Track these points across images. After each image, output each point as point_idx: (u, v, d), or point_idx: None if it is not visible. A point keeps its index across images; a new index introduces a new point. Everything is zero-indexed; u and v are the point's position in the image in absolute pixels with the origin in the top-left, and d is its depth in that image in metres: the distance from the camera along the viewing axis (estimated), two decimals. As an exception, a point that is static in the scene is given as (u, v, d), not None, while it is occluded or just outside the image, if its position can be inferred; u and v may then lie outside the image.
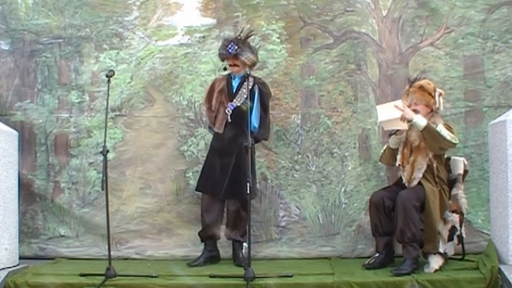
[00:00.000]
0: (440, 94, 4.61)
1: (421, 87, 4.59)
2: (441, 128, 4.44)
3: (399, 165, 4.67)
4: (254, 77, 4.96)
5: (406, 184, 4.59)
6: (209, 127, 5.04)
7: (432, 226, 4.39)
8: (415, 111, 4.51)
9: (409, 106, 4.54)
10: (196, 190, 5.00)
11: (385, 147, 4.83)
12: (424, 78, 4.73)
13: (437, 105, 4.58)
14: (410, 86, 4.65)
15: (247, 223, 4.71)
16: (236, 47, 4.80)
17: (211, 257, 4.95)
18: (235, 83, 4.95)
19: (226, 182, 4.81)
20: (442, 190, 4.52)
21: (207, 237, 4.95)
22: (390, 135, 4.69)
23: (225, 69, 4.95)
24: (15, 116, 5.37)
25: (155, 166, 5.31)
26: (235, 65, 4.87)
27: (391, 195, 4.57)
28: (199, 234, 4.97)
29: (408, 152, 4.62)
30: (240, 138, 4.67)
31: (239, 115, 4.81)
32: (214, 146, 4.96)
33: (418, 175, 4.52)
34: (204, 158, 5.06)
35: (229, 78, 4.99)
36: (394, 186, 4.75)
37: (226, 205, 4.95)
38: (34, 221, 5.34)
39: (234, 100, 4.89)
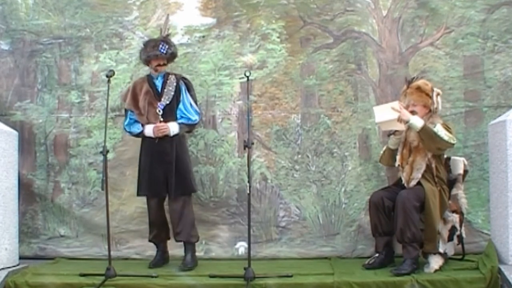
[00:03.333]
0: (438, 94, 4.61)
1: (419, 88, 4.59)
2: (439, 128, 4.45)
3: (399, 165, 4.67)
4: (175, 74, 4.99)
5: (405, 185, 4.59)
6: (130, 131, 4.91)
7: (432, 226, 4.39)
8: (413, 112, 4.52)
9: (407, 107, 4.55)
10: (138, 195, 4.89)
11: (384, 148, 4.83)
12: (422, 78, 4.74)
13: (435, 105, 4.58)
14: (408, 87, 4.66)
15: (193, 221, 4.86)
16: (167, 46, 4.84)
17: (166, 258, 4.97)
18: (158, 83, 4.92)
19: (172, 180, 4.76)
20: (442, 190, 4.52)
21: (161, 240, 4.96)
22: (389, 135, 4.69)
23: (156, 71, 4.87)
24: (15, 116, 5.38)
25: (155, 166, 5.31)
26: (164, 64, 4.88)
27: (390, 195, 4.57)
28: (152, 240, 4.94)
29: (407, 152, 4.62)
30: (175, 135, 4.81)
31: (169, 113, 4.84)
32: (149, 148, 4.84)
33: (417, 175, 4.52)
34: (144, 162, 4.91)
35: (149, 79, 4.94)
36: (393, 186, 4.76)
37: (170, 205, 4.86)
38: (34, 221, 5.35)
39: (162, 99, 4.86)
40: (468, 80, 5.19)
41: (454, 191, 4.64)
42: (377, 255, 4.69)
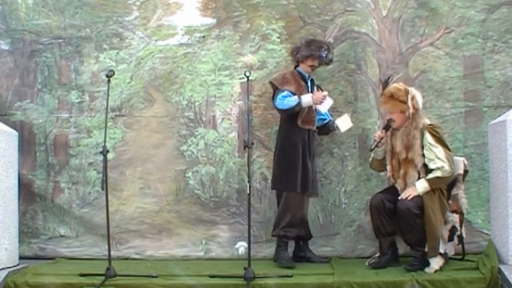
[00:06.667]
0: (413, 98, 4.49)
1: (391, 96, 4.53)
2: (428, 142, 4.40)
3: (391, 176, 4.65)
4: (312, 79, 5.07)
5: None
6: (284, 106, 4.79)
7: (433, 233, 4.37)
8: (391, 120, 4.52)
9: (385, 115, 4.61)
10: (302, 193, 4.85)
11: (371, 157, 4.81)
12: (394, 76, 4.76)
13: (410, 110, 4.47)
14: (382, 94, 4.63)
15: None
16: (327, 52, 4.89)
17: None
18: (309, 83, 4.98)
19: (316, 177, 4.97)
20: (440, 192, 4.48)
21: (302, 239, 5.02)
22: (371, 150, 4.65)
23: (312, 70, 4.95)
24: (15, 116, 5.37)
25: (155, 166, 5.31)
26: (316, 67, 4.94)
27: (390, 197, 4.55)
28: (292, 238, 4.92)
29: (397, 164, 4.60)
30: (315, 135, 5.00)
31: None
32: (300, 143, 4.86)
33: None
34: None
35: (302, 77, 4.95)
36: (392, 187, 4.71)
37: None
38: (34, 221, 5.34)
39: None
40: (468, 80, 5.19)
41: (454, 191, 4.64)
42: (377, 254, 4.70)
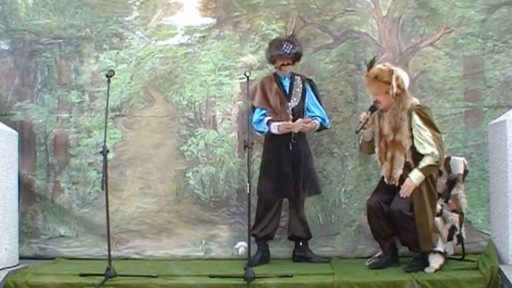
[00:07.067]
0: (397, 78, 4.42)
1: (375, 78, 4.46)
2: (417, 123, 4.35)
3: (379, 158, 4.61)
4: (299, 75, 5.04)
5: (386, 181, 4.53)
6: (257, 130, 4.95)
7: (423, 226, 4.35)
8: (377, 102, 4.47)
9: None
10: (263, 196, 4.93)
11: (361, 140, 4.79)
12: (378, 58, 4.72)
13: (394, 90, 4.40)
14: (366, 75, 4.57)
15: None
16: (291, 46, 4.87)
17: (268, 256, 5.02)
18: (286, 83, 4.99)
19: (301, 180, 4.88)
20: (428, 180, 4.42)
21: (270, 239, 5.02)
22: (357, 132, 4.58)
23: (281, 70, 4.94)
24: (15, 116, 5.38)
25: (155, 166, 5.31)
26: (288, 64, 4.91)
27: (387, 198, 4.52)
28: (263, 238, 4.95)
29: (384, 146, 4.54)
30: (302, 137, 4.90)
31: (297, 115, 4.89)
32: (277, 146, 4.88)
33: (398, 172, 4.46)
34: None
35: (277, 78, 4.99)
36: (383, 184, 4.63)
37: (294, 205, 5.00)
38: (34, 221, 5.34)
39: (291, 101, 4.92)
40: (468, 80, 5.19)
41: (454, 191, 4.65)
42: (377, 254, 4.70)
